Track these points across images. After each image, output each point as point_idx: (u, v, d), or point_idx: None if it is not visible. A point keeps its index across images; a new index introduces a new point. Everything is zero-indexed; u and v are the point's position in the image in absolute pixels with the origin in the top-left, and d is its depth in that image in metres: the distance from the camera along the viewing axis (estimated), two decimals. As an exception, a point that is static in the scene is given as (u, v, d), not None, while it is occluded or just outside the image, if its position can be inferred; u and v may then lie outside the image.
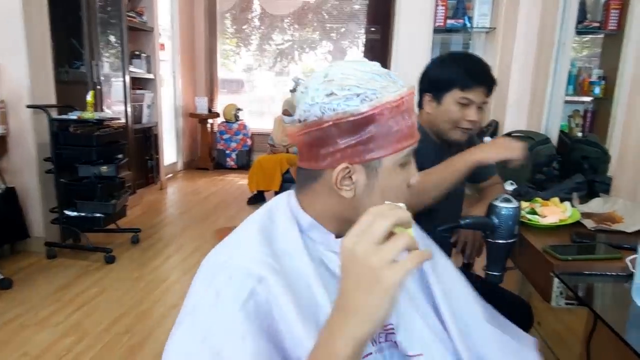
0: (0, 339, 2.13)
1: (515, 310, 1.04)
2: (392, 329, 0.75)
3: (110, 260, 3.02)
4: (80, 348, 2.09)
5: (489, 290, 1.35)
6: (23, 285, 2.67)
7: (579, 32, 2.49)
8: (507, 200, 1.28)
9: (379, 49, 4.83)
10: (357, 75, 0.68)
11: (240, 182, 5.66)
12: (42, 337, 2.15)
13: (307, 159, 0.72)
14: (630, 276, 1.00)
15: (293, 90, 0.77)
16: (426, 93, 1.43)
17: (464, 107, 1.35)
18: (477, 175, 1.55)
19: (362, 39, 6.32)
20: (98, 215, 3.08)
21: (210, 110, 6.36)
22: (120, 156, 3.27)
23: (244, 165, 6.35)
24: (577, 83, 2.54)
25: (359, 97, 0.67)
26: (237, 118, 6.37)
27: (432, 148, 1.43)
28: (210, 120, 6.42)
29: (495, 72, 2.64)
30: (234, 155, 6.44)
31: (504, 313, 0.96)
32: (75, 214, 3.07)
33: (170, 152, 5.81)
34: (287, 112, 4.43)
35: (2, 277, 2.60)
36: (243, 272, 0.65)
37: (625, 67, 1.54)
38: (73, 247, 3.18)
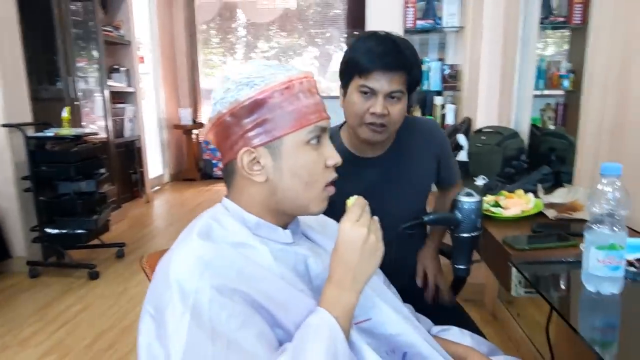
0: (-20, 361, 2.12)
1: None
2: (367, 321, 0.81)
3: (94, 276, 3.01)
4: (62, 366, 2.08)
5: (456, 321, 1.36)
6: (4, 306, 2.64)
7: (545, 27, 2.53)
8: (469, 195, 1.30)
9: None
10: (249, 69, 0.75)
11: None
12: (24, 357, 2.14)
13: (222, 155, 0.78)
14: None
15: None
16: (339, 87, 1.24)
17: (367, 97, 1.14)
18: (440, 183, 1.46)
19: (345, 43, 6.36)
20: (80, 231, 3.07)
21: (194, 121, 6.36)
22: (100, 171, 3.27)
23: (231, 174, 6.35)
24: (547, 77, 2.57)
25: (248, 86, 0.73)
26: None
27: (350, 162, 1.19)
28: (195, 131, 6.41)
29: (466, 70, 2.70)
30: (220, 165, 6.43)
31: None
32: (56, 231, 3.05)
33: (155, 165, 5.80)
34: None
35: (-17, 298, 2.58)
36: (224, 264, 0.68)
37: (588, 60, 1.56)
38: (56, 265, 3.16)
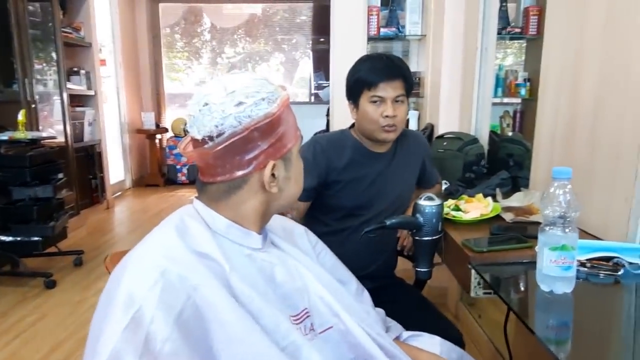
0: None
1: (447, 335, 1.08)
2: (307, 312, 0.81)
3: (50, 285, 2.90)
4: (15, 379, 1.99)
5: (426, 313, 1.42)
6: (-47, 317, 2.51)
7: (502, 38, 2.62)
8: (430, 199, 1.34)
9: (327, 59, 4.93)
10: (252, 84, 0.74)
11: (192, 197, 5.55)
12: (-27, 371, 2.04)
13: (228, 171, 0.74)
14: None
15: None
16: (348, 102, 1.47)
17: (378, 105, 1.37)
18: (426, 182, 1.66)
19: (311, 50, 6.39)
20: (36, 238, 2.95)
21: (158, 126, 6.24)
22: (58, 176, 3.16)
23: (195, 180, 6.25)
24: (505, 85, 2.67)
25: (265, 101, 0.73)
26: (186, 132, 6.26)
27: (365, 154, 1.47)
28: (158, 136, 6.29)
29: (428, 77, 2.76)
30: (184, 170, 6.33)
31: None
32: (10, 238, 2.93)
33: (117, 170, 5.65)
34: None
35: None
36: (174, 278, 0.66)
37: (543, 69, 1.63)
38: (10, 274, 3.03)
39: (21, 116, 2.89)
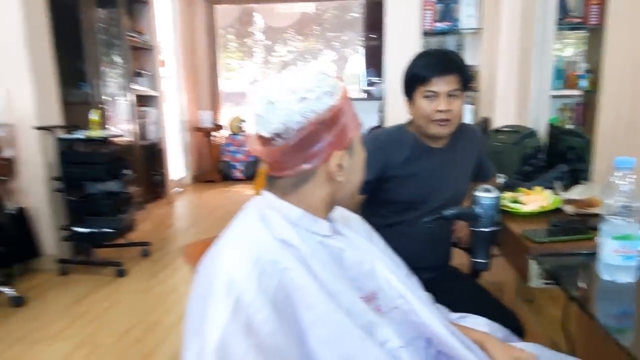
0: (14, 354, 2.21)
1: (507, 324, 1.09)
2: (375, 293, 0.86)
3: (121, 273, 3.11)
4: (92, 359, 2.16)
5: (484, 302, 1.43)
6: (36, 302, 2.75)
7: (562, 28, 2.55)
8: (488, 191, 1.34)
9: (379, 55, 4.94)
10: (313, 78, 0.78)
11: (247, 192, 5.75)
12: (56, 350, 2.23)
13: (296, 165, 0.78)
14: (599, 254, 1.05)
15: None
16: (405, 98, 1.48)
17: (432, 100, 1.38)
18: (482, 176, 1.65)
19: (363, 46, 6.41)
20: (107, 230, 3.17)
21: (214, 124, 6.48)
22: (126, 172, 3.37)
23: (250, 175, 6.43)
24: (564, 77, 2.59)
25: (327, 94, 0.76)
26: (241, 130, 6.47)
27: (422, 149, 1.49)
28: (215, 133, 6.53)
29: (483, 71, 2.73)
30: (240, 167, 6.54)
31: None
32: (85, 230, 3.16)
33: (178, 167, 5.92)
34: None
35: (15, 294, 2.69)
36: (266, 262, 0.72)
37: (605, 60, 1.59)
38: (84, 263, 3.27)
39: (94, 115, 3.11)
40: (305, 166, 0.78)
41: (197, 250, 0.83)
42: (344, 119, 0.79)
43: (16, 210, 3.01)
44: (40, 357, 2.18)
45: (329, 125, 0.76)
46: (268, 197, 0.84)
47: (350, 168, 0.83)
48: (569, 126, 2.57)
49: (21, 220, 3.03)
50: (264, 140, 0.79)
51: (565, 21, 2.49)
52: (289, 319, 0.71)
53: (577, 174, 1.77)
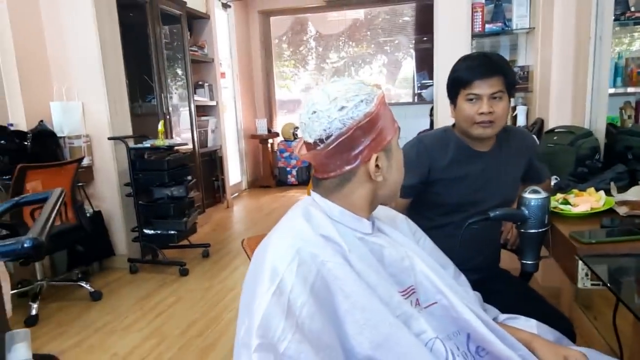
0: (94, 342, 2.44)
1: (557, 327, 1.09)
2: (413, 288, 0.91)
3: (184, 272, 3.31)
4: (160, 349, 2.34)
5: (534, 304, 1.43)
6: (111, 296, 3.00)
7: (623, 24, 2.45)
8: (536, 192, 1.35)
9: (430, 58, 4.92)
10: (351, 88, 0.85)
11: (300, 197, 5.86)
12: (128, 340, 2.43)
13: (338, 167, 0.86)
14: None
15: None
16: (450, 102, 1.49)
17: (474, 103, 1.39)
18: (533, 179, 1.62)
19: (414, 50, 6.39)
20: (172, 232, 3.40)
21: (269, 131, 6.68)
22: (189, 178, 3.59)
23: (304, 181, 6.58)
24: (625, 74, 2.49)
25: (364, 102, 0.84)
26: (295, 136, 6.63)
27: (468, 153, 1.49)
28: (270, 140, 6.73)
29: (537, 71, 2.68)
30: (294, 172, 6.69)
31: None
32: (152, 232, 3.40)
33: (235, 173, 6.17)
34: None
35: (93, 290, 2.95)
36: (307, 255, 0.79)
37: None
38: (152, 262, 3.51)
39: (161, 126, 3.35)
40: (347, 168, 0.86)
41: (254, 243, 0.93)
42: (381, 122, 0.85)
43: (94, 213, 3.29)
44: (116, 346, 2.38)
45: (366, 130, 0.83)
46: (314, 196, 0.92)
47: (389, 168, 0.89)
48: (630, 125, 2.46)
49: (98, 223, 3.31)
50: (309, 146, 0.88)
51: (626, 16, 2.39)
52: (327, 306, 0.78)
53: (636, 174, 1.72)
